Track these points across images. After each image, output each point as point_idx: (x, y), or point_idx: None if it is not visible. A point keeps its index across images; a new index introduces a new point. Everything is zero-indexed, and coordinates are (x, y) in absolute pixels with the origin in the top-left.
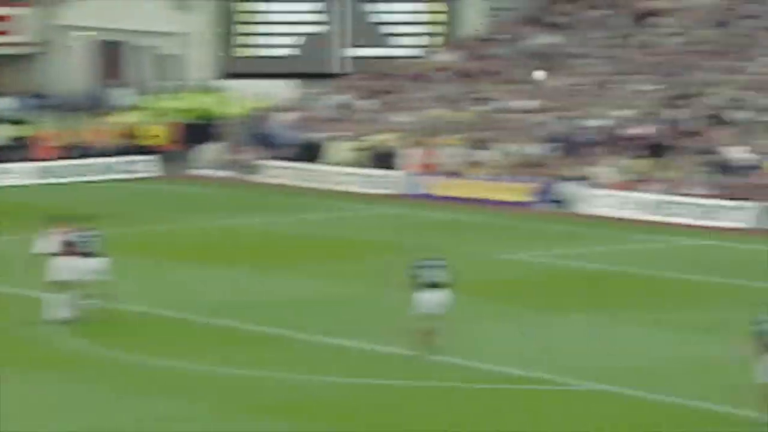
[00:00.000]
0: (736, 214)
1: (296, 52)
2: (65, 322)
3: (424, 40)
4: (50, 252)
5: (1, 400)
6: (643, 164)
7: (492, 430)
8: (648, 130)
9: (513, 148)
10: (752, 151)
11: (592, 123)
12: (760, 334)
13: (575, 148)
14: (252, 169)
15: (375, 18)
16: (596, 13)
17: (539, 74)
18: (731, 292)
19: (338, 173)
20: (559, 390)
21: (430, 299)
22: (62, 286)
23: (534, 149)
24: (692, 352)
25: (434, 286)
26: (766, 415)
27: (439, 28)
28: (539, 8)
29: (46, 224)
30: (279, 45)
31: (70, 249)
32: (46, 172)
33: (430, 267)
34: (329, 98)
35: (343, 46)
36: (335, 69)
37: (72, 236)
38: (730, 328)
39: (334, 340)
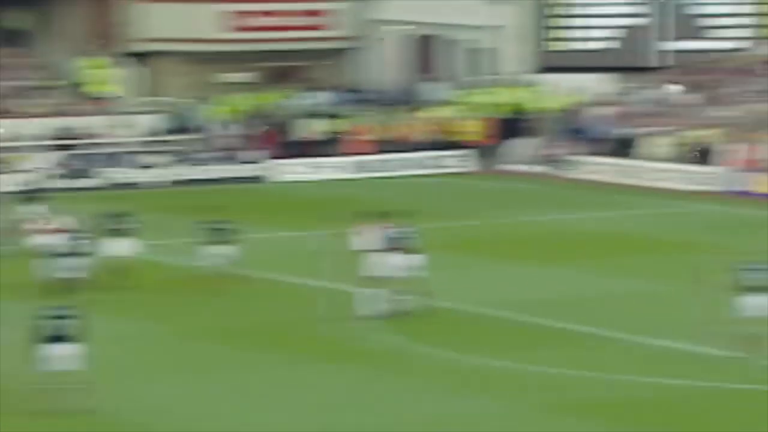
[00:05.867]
0: None
1: (614, 45)
2: (379, 318)
3: (747, 32)
4: (367, 248)
5: (314, 394)
6: None
7: None
8: None
9: None
10: None
11: None
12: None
13: None
14: (565, 164)
15: (695, 10)
16: None
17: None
18: None
19: (655, 169)
20: None
21: (756, 303)
22: (377, 282)
23: None
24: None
25: (759, 289)
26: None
27: (765, 20)
28: None
29: (361, 220)
30: (595, 38)
31: (388, 245)
32: (359, 167)
33: (755, 270)
34: (647, 92)
35: (663, 39)
36: (653, 63)
37: (389, 232)
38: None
39: (650, 340)
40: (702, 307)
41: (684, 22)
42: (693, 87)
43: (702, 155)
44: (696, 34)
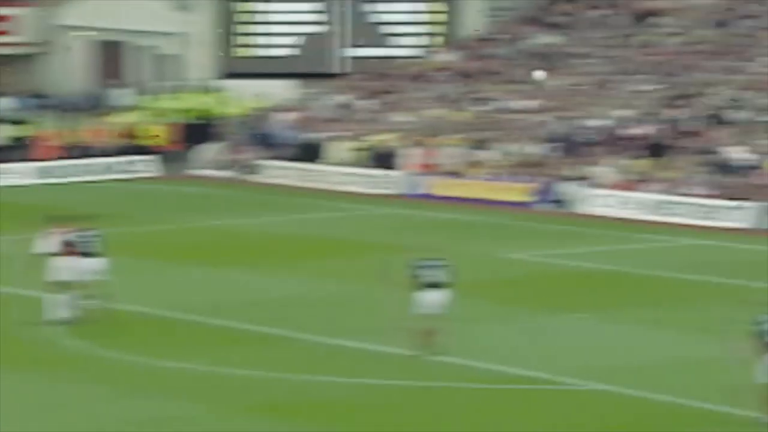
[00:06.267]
0: (736, 214)
1: (296, 52)
2: (65, 323)
3: (424, 40)
4: (50, 252)
5: (1, 400)
6: (643, 164)
7: (491, 430)
8: (648, 130)
9: (513, 148)
10: (752, 151)
11: (592, 123)
12: (759, 334)
13: (575, 148)
14: (251, 169)
15: (375, 18)
16: (596, 13)
17: (539, 74)
18: (731, 292)
19: (338, 173)
20: (558, 390)
21: (430, 299)
22: (62, 286)
23: (534, 149)
24: (691, 351)
25: (434, 286)
26: (766, 416)
27: (439, 28)
28: (539, 8)
29: (46, 224)
30: (278, 45)
31: (70, 249)
32: (45, 172)
33: (430, 267)
34: (329, 98)
35: (343, 46)
36: (335, 69)
37: (72, 236)
38: (730, 328)
39: (334, 340)
40: (387, 307)
41: (364, 29)
42: (373, 93)
43: (383, 159)
44: (376, 41)
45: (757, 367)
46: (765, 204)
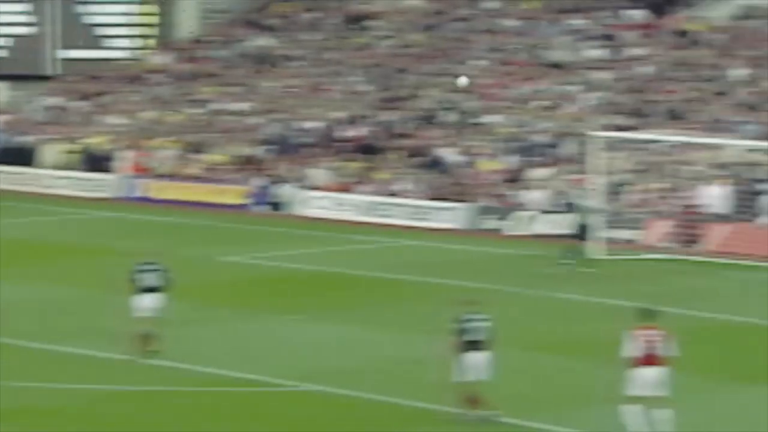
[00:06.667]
0: (448, 215)
1: (4, 53)
2: None
3: (138, 42)
4: None
5: None
6: (357, 166)
7: (203, 431)
8: (361, 131)
9: (229, 150)
10: (462, 152)
11: (307, 125)
12: (460, 332)
13: (291, 149)
14: None
15: (88, 19)
16: (310, 15)
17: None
18: (441, 292)
19: (51, 177)
20: (273, 391)
21: (146, 303)
22: None
23: (250, 151)
24: (402, 351)
25: (150, 289)
26: (468, 413)
27: (152, 30)
28: (253, 10)
29: None
30: None
31: None
32: None
33: (147, 271)
34: (41, 100)
35: (55, 47)
36: (48, 71)
37: None
38: (438, 327)
39: (53, 346)
40: (107, 312)
41: (77, 30)
42: (86, 95)
43: (97, 162)
44: (89, 42)
45: (456, 366)
46: (475, 205)
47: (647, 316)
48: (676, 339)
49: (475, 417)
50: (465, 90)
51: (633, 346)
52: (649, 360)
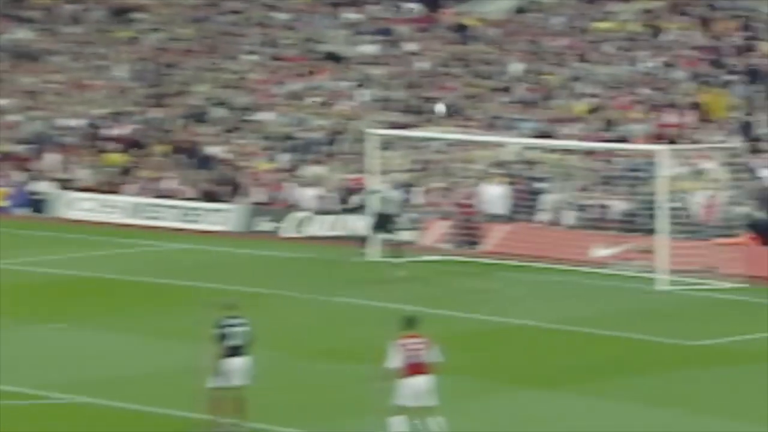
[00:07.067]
0: (217, 217)
1: None
2: None
3: None
4: None
5: None
6: (122, 162)
7: None
8: (127, 129)
9: None
10: (233, 151)
11: (70, 122)
12: (220, 337)
13: (52, 148)
14: None
15: None
16: (72, 7)
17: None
18: (207, 296)
19: None
20: (37, 404)
21: None
22: None
23: (9, 150)
24: (169, 359)
25: None
26: (221, 420)
27: None
28: (11, 2)
29: None
30: None
31: None
32: None
33: None
34: None
35: None
36: None
37: None
38: (205, 334)
39: None
40: None
41: None
42: None
43: None
44: None
45: (212, 372)
46: (245, 206)
47: (409, 325)
48: (439, 345)
49: (228, 425)
50: (234, 85)
51: (397, 356)
52: (415, 369)
